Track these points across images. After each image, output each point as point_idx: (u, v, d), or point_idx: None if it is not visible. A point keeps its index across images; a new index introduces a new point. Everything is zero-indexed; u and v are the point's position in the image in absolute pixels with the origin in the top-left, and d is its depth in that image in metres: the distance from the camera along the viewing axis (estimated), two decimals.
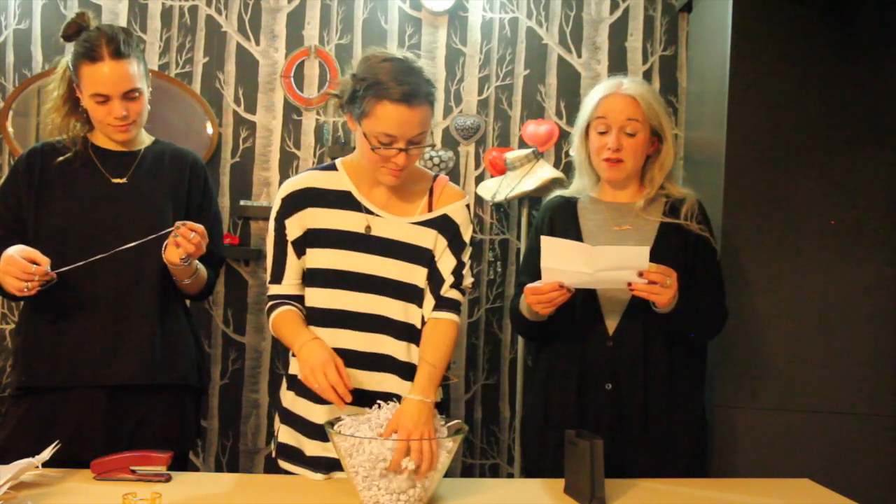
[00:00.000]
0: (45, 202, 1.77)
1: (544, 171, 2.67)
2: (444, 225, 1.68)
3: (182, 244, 1.66)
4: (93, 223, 1.75)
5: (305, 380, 1.51)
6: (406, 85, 1.52)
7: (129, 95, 1.76)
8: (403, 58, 1.58)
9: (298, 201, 1.66)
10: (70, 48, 1.80)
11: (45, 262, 1.61)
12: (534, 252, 1.89)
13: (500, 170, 2.81)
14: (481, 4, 2.93)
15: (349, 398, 1.47)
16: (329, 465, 1.60)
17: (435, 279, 1.67)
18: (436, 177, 1.74)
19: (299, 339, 1.56)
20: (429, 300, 1.66)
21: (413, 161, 1.61)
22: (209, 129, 2.88)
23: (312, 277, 1.65)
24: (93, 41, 1.73)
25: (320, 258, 1.64)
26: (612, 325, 1.78)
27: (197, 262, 1.81)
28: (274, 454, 1.71)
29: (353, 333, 1.62)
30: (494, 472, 2.94)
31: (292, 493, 1.52)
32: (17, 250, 1.62)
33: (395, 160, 1.56)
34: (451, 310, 1.66)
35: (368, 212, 1.66)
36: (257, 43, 2.93)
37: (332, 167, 1.71)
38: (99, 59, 1.71)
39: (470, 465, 2.94)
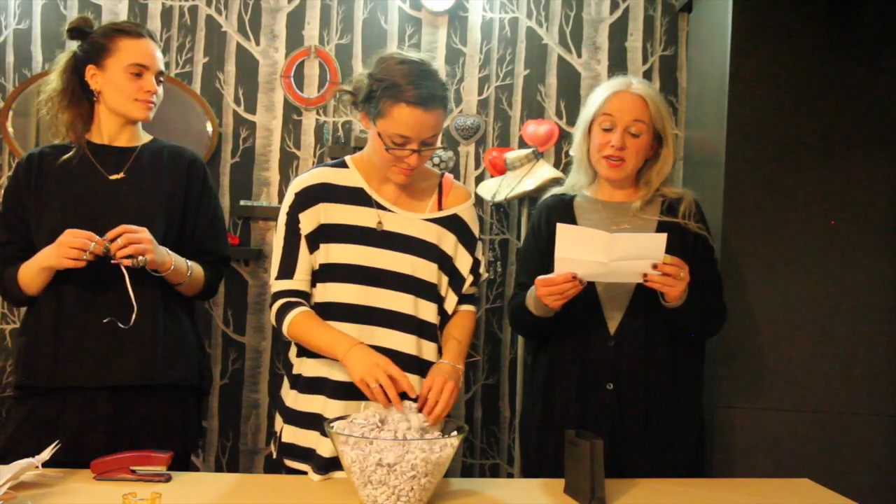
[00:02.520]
0: (43, 201, 1.77)
1: (544, 171, 2.67)
2: (455, 223, 1.73)
3: (126, 252, 1.65)
4: (90, 220, 1.74)
5: (360, 383, 1.52)
6: (422, 88, 1.56)
7: (159, 77, 1.85)
8: (420, 60, 1.62)
9: (313, 196, 1.68)
10: (72, 45, 1.84)
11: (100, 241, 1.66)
12: (530, 251, 1.89)
13: (500, 170, 2.81)
14: (481, 4, 2.93)
15: (399, 406, 1.51)
16: (335, 465, 1.60)
17: (456, 279, 1.73)
18: (442, 174, 1.79)
19: (342, 345, 1.57)
20: (451, 298, 1.73)
21: (424, 161, 1.65)
22: (209, 129, 2.88)
23: (326, 273, 1.66)
24: (129, 23, 1.86)
25: (334, 253, 1.66)
26: (613, 325, 1.78)
27: (189, 264, 1.81)
28: (275, 454, 1.71)
29: (368, 328, 1.64)
30: (494, 472, 2.94)
31: (292, 493, 1.52)
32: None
33: (408, 160, 1.61)
34: (469, 303, 1.79)
35: (380, 207, 1.69)
36: (257, 43, 2.93)
37: (343, 164, 1.75)
38: (141, 36, 1.82)
39: (470, 465, 2.94)
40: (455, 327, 1.73)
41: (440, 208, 1.74)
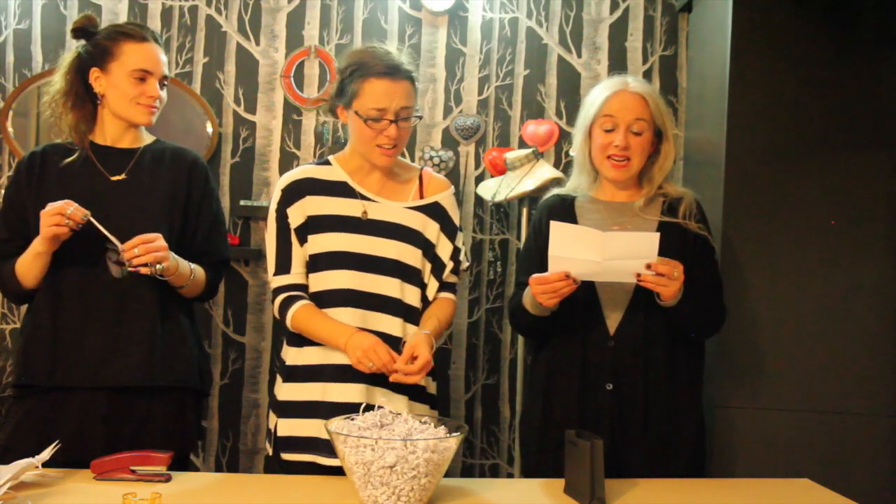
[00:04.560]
0: (44, 200, 1.76)
1: (544, 171, 2.67)
2: (436, 211, 1.80)
3: (144, 261, 1.65)
4: None
5: (357, 365, 1.62)
6: (386, 61, 1.67)
7: (163, 81, 1.84)
8: (385, 47, 1.74)
9: (298, 190, 1.75)
10: (72, 45, 1.84)
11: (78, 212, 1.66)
12: (531, 251, 1.89)
13: (500, 170, 2.81)
14: (481, 4, 2.93)
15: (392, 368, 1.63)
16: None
17: (437, 265, 1.79)
18: (422, 168, 1.88)
19: (343, 335, 1.66)
20: (432, 284, 1.79)
21: (403, 135, 1.72)
22: (209, 129, 2.88)
23: (316, 262, 1.73)
24: (135, 26, 1.85)
25: (322, 242, 1.73)
26: (612, 325, 1.78)
27: (192, 267, 1.81)
28: (271, 452, 1.72)
29: (354, 311, 1.70)
30: (494, 472, 2.93)
31: (292, 492, 1.52)
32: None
33: (387, 133, 1.68)
34: (449, 291, 1.85)
35: (364, 198, 1.76)
36: (257, 43, 2.93)
37: (326, 162, 1.82)
38: (145, 40, 1.81)
39: (470, 465, 2.94)
40: (435, 309, 1.79)
41: (421, 197, 1.81)
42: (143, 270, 1.67)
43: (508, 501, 1.51)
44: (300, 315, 1.71)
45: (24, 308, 1.87)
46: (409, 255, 1.75)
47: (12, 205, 1.81)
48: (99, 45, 1.79)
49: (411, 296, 1.75)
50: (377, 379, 1.67)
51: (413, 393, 1.73)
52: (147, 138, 1.90)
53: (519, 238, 2.88)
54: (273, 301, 1.76)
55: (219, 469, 2.90)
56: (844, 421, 2.37)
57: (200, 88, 2.91)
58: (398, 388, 1.69)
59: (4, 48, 2.89)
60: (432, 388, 1.81)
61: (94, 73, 1.80)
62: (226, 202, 2.89)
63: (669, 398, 1.77)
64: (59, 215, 1.63)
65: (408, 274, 1.74)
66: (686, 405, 1.79)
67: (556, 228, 1.62)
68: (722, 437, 2.38)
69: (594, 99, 1.85)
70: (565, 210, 1.88)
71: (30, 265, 1.73)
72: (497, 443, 2.95)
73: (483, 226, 2.95)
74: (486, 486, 1.59)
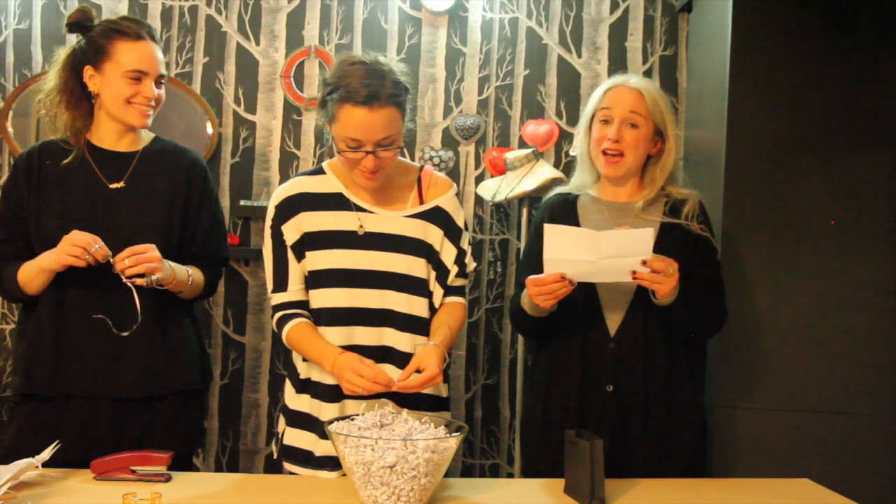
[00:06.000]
0: (43, 205, 1.75)
1: (544, 171, 2.67)
2: (438, 216, 1.72)
3: (136, 271, 1.64)
4: (89, 230, 1.68)
5: (349, 391, 1.55)
6: (366, 87, 1.52)
7: (159, 80, 1.79)
8: (373, 61, 1.58)
9: (292, 206, 1.68)
10: (69, 43, 1.81)
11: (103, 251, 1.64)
12: (533, 250, 1.89)
13: (500, 170, 2.81)
14: (481, 4, 2.93)
15: (390, 386, 1.53)
16: (338, 464, 1.60)
17: (441, 271, 1.71)
18: (422, 167, 1.77)
19: (328, 358, 1.59)
20: (438, 291, 1.71)
21: (386, 163, 1.61)
22: (209, 129, 2.88)
23: (315, 280, 1.67)
24: (130, 23, 1.77)
25: (320, 260, 1.66)
26: (613, 325, 1.77)
27: (189, 272, 1.80)
28: (276, 456, 1.72)
29: (361, 329, 1.65)
30: (494, 472, 2.94)
31: (293, 492, 1.52)
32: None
33: (364, 163, 1.58)
34: (458, 295, 1.75)
35: (361, 209, 1.68)
36: (257, 43, 2.93)
37: (320, 171, 1.74)
38: (140, 39, 1.75)
39: (470, 465, 2.94)
40: (445, 314, 1.71)
41: (421, 202, 1.72)
42: (139, 282, 1.64)
43: (508, 501, 1.51)
44: (292, 335, 1.66)
45: (22, 309, 1.86)
46: (413, 266, 1.66)
47: (11, 206, 1.77)
48: (93, 42, 1.74)
49: (419, 307, 1.67)
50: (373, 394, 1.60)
51: (423, 405, 1.67)
52: (146, 138, 1.87)
53: (519, 238, 2.88)
54: (272, 318, 1.72)
55: (219, 469, 2.90)
56: (844, 421, 2.37)
57: (200, 88, 2.91)
58: (405, 404, 1.63)
59: (4, 48, 2.89)
60: (444, 391, 1.76)
61: (88, 72, 1.75)
62: (226, 202, 2.89)
63: (670, 399, 1.76)
64: (83, 250, 1.61)
65: (413, 286, 1.66)
66: (687, 405, 1.79)
67: (550, 231, 1.62)
68: (722, 437, 2.38)
69: (594, 95, 1.86)
70: (567, 209, 1.88)
71: (33, 276, 1.71)
72: (497, 443, 2.95)
73: (483, 226, 2.95)
74: (486, 486, 1.59)
